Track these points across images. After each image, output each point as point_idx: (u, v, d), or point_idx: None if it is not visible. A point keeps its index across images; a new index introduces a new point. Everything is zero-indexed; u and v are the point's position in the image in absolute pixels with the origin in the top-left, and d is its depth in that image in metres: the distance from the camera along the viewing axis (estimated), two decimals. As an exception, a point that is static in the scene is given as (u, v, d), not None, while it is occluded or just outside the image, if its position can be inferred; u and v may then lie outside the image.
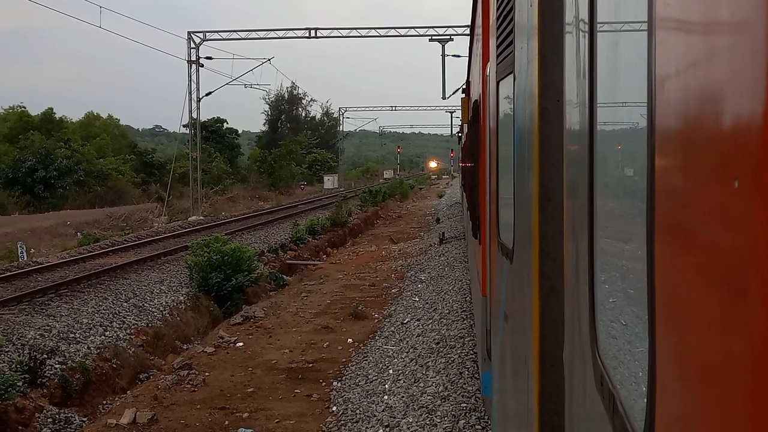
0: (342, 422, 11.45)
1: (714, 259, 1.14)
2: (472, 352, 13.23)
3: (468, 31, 20.84)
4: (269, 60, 50.95)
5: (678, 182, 1.33)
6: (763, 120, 0.94)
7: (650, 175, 1.46)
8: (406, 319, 17.38)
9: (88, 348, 15.94)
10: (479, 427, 10.06)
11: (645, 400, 1.50)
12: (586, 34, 2.28)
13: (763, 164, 0.95)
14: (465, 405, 10.88)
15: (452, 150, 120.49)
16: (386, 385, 12.62)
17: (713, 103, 1.13)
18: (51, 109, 75.07)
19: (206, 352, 16.26)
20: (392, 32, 48.55)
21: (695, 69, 1.22)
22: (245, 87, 55.33)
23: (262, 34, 48.37)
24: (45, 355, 14.37)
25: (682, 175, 1.31)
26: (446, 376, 12.28)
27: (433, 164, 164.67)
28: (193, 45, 47.18)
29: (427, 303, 18.79)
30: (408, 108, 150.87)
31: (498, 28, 5.31)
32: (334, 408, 12.21)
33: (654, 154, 1.44)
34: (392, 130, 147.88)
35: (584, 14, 2.29)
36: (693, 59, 1.23)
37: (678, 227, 1.33)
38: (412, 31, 47.63)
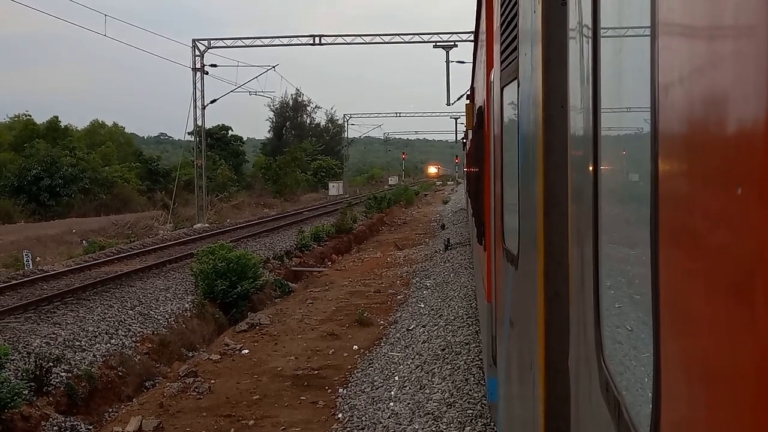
0: (348, 429, 11.43)
1: (718, 265, 1.14)
2: (477, 358, 13.21)
3: (472, 38, 20.88)
4: (274, 67, 51.10)
5: (681, 188, 1.33)
6: (765, 126, 0.94)
7: (653, 180, 1.46)
8: (412, 326, 17.36)
9: (94, 356, 15.95)
10: (485, 433, 10.04)
11: (650, 407, 1.50)
12: (590, 40, 2.28)
13: (766, 170, 0.95)
14: (471, 411, 10.86)
15: (457, 156, 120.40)
16: (392, 392, 12.60)
17: (716, 109, 1.13)
18: (56, 117, 75.39)
19: (212, 359, 16.25)
20: (397, 38, 48.68)
21: (698, 74, 1.22)
22: (250, 94, 55.61)
23: (266, 41, 48.51)
24: (51, 363, 14.38)
25: (685, 181, 1.31)
26: (452, 382, 12.26)
27: (432, 170, 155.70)
28: (197, 52, 47.30)
29: (432, 309, 18.77)
30: (413, 114, 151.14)
31: (502, 35, 5.31)
32: (340, 415, 12.19)
33: (657, 160, 1.44)
34: (397, 137, 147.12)
35: (588, 20, 2.29)
36: (696, 65, 1.23)
37: (681, 233, 1.33)
38: (417, 38, 47.70)
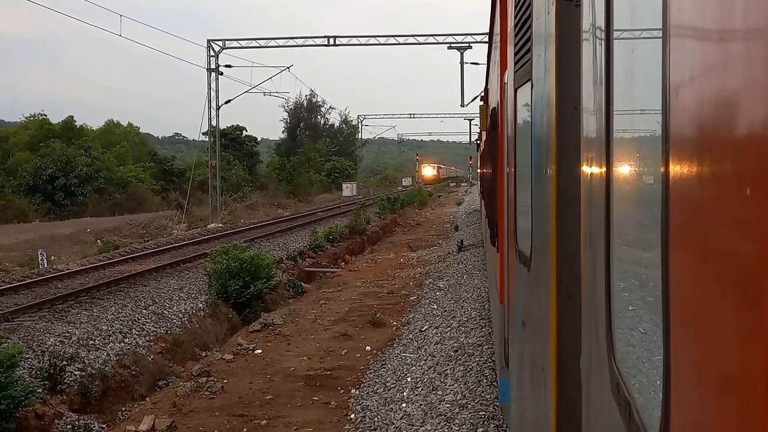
0: (360, 430, 11.44)
1: (728, 267, 1.14)
2: (490, 359, 13.20)
3: (486, 39, 20.83)
4: (288, 68, 51.13)
5: (692, 190, 1.33)
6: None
7: (665, 182, 1.46)
8: (425, 327, 17.36)
9: (108, 355, 16.00)
10: (497, 435, 10.03)
11: (660, 408, 1.50)
12: (603, 42, 2.28)
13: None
14: (483, 413, 10.84)
15: (471, 157, 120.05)
16: (404, 393, 12.60)
17: (727, 110, 1.13)
18: (71, 117, 75.87)
19: (225, 359, 16.30)
20: (411, 40, 48.67)
21: (709, 76, 1.22)
22: (264, 95, 55.52)
23: (281, 41, 48.53)
24: (65, 362, 14.43)
25: (696, 183, 1.31)
26: (464, 384, 12.25)
27: (429, 171, 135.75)
28: (212, 53, 47.42)
29: (445, 311, 18.76)
30: (427, 116, 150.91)
31: (516, 36, 5.31)
32: (353, 415, 12.20)
33: (668, 162, 1.44)
34: (411, 138, 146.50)
35: (601, 22, 2.29)
36: (707, 66, 1.23)
37: (692, 235, 1.33)
38: (431, 39, 47.66)
